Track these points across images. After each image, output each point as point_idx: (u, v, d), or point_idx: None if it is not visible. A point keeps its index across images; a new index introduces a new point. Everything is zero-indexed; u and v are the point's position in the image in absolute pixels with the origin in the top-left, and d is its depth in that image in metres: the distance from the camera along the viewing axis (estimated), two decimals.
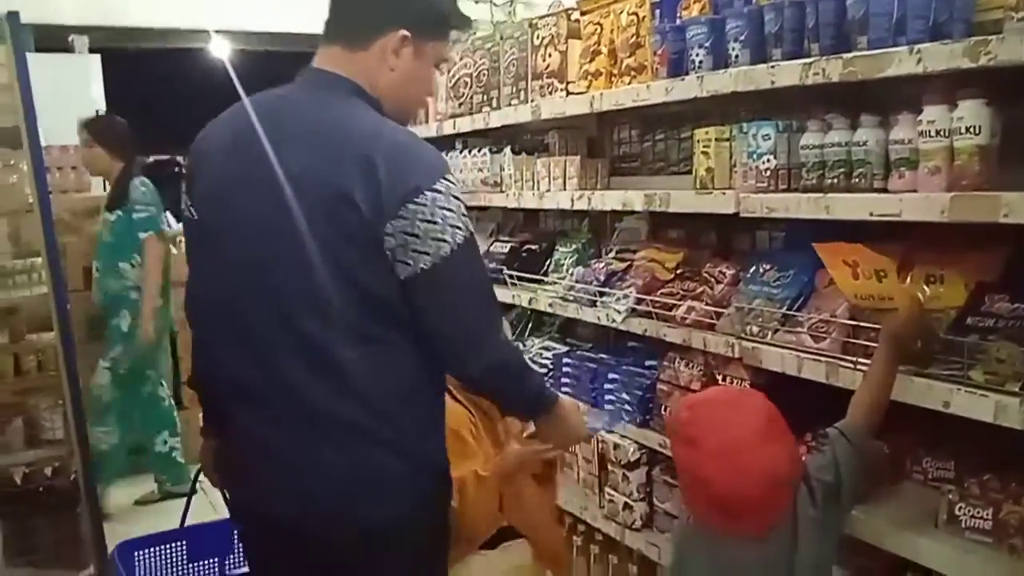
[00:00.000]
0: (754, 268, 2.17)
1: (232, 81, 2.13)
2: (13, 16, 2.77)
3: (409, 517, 1.62)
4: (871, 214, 1.72)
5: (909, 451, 1.95)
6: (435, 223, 1.52)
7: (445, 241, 1.52)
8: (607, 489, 2.65)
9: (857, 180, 1.80)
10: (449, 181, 1.56)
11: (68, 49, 6.32)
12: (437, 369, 1.68)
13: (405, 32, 1.63)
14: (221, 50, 6.93)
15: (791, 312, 2.00)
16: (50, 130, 3.32)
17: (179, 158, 8.95)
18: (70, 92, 5.05)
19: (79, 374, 3.07)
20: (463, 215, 1.57)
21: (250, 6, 6.49)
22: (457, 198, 1.56)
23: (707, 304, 2.21)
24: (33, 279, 3.32)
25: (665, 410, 2.37)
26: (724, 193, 2.08)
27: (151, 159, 9.81)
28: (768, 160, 1.97)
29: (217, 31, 6.54)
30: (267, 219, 1.54)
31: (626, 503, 2.56)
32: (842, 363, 1.82)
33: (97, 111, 5.44)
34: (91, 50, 6.40)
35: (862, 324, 1.81)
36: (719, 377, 2.19)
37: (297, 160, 1.53)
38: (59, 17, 6.58)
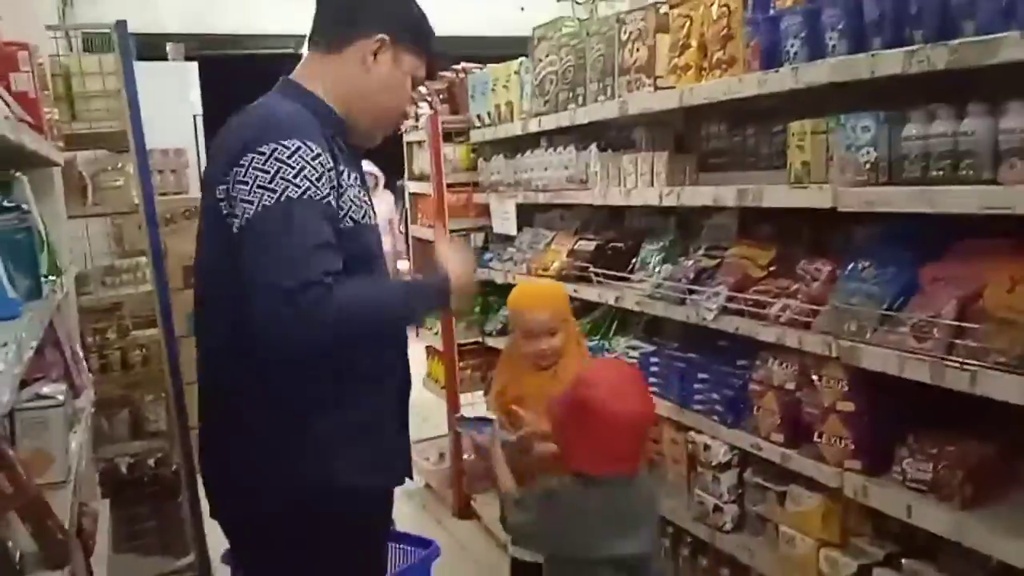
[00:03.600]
0: (852, 265, 2.09)
1: None
2: (121, 25, 2.90)
3: None
4: (980, 207, 1.64)
5: (1019, 453, 1.86)
6: (245, 183, 1.50)
7: (249, 203, 1.49)
8: (696, 490, 2.60)
9: (964, 172, 1.72)
10: (282, 144, 1.51)
11: (165, 57, 6.59)
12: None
13: (384, 36, 1.68)
14: None
15: (891, 311, 1.93)
16: (151, 134, 3.45)
17: None
18: (170, 98, 5.26)
19: (181, 368, 3.20)
20: (285, 178, 1.49)
21: None
22: (281, 160, 1.50)
23: (802, 302, 2.15)
24: (138, 277, 3.47)
25: (758, 410, 2.31)
26: (821, 187, 2.02)
27: None
28: (868, 152, 1.91)
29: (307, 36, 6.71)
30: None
31: (716, 505, 2.51)
32: (948, 363, 1.74)
33: (195, 116, 5.66)
34: (188, 58, 6.65)
35: (968, 325, 1.73)
36: (815, 377, 2.12)
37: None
38: (158, 26, 6.87)
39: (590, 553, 1.95)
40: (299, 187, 1.49)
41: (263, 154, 1.49)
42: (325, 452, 1.64)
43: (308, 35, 1.75)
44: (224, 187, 1.53)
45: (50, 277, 1.81)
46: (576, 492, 1.99)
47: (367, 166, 5.07)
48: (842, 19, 1.95)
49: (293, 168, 1.49)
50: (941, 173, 1.76)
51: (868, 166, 1.91)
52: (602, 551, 1.94)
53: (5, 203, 1.58)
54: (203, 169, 1.72)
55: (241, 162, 1.50)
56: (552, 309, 2.55)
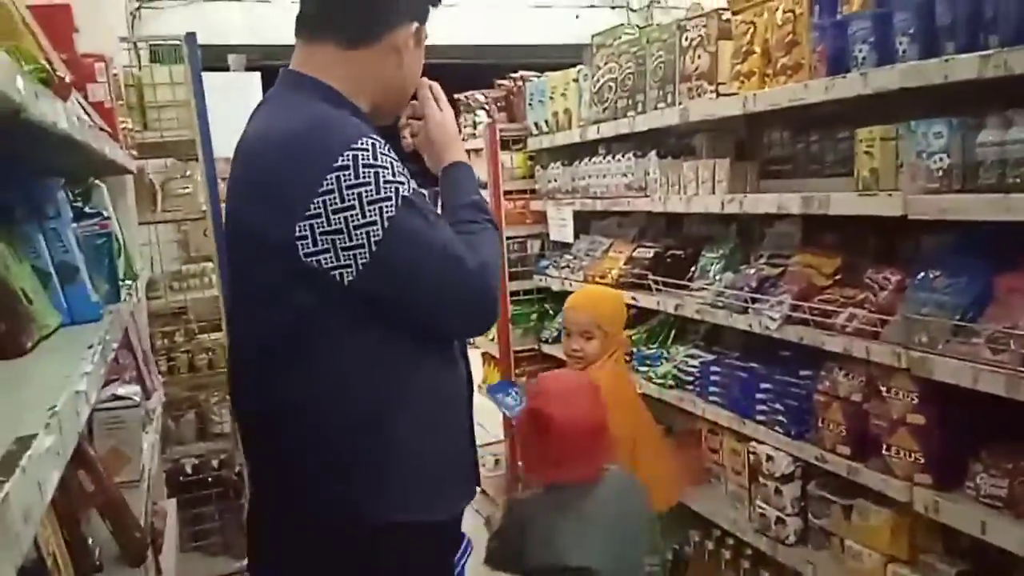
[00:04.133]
0: (922, 274, 2.05)
1: None
2: (191, 37, 2.98)
3: None
4: None
5: None
6: (350, 208, 1.31)
7: (372, 223, 1.32)
8: (757, 502, 2.57)
9: None
10: (356, 148, 1.33)
11: (226, 67, 6.72)
12: None
13: (416, 23, 1.52)
14: None
15: (964, 322, 1.88)
16: (215, 143, 3.54)
17: None
18: (233, 108, 5.36)
19: None
20: (387, 179, 1.34)
21: None
22: (372, 164, 1.33)
23: (870, 312, 2.11)
24: (204, 282, 3.56)
25: (822, 422, 2.27)
26: (890, 195, 1.98)
27: None
28: (941, 159, 1.86)
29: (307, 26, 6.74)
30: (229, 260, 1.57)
31: (779, 517, 2.47)
32: None
33: None
34: (250, 68, 6.78)
35: None
36: (883, 389, 2.08)
37: (230, 195, 1.52)
38: (220, 38, 7.03)
39: (549, 559, 1.89)
40: (401, 182, 1.36)
41: (347, 167, 1.31)
42: (392, 476, 1.45)
43: (309, 26, 1.52)
44: (307, 224, 1.31)
45: (126, 281, 1.87)
46: (535, 497, 2.03)
47: None
48: (913, 24, 1.92)
49: (385, 167, 1.35)
50: (1018, 180, 1.72)
51: (940, 173, 1.87)
52: (563, 558, 1.87)
53: (87, 209, 1.63)
54: (231, 208, 1.52)
55: (324, 188, 1.31)
56: (592, 313, 2.62)
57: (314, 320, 1.40)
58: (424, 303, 1.42)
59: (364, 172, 1.32)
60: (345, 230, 1.32)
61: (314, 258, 1.33)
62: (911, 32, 1.92)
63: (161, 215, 3.37)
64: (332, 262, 1.33)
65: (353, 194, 1.31)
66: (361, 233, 1.32)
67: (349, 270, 1.34)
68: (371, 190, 1.32)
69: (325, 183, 1.31)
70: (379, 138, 1.38)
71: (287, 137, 1.38)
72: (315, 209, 1.31)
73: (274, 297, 1.40)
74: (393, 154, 1.39)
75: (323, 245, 1.32)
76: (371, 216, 1.32)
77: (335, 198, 1.31)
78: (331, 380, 1.43)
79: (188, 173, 3.42)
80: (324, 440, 1.44)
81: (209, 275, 3.54)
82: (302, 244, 1.32)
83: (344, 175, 1.31)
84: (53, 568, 1.22)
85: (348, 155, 1.32)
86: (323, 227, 1.31)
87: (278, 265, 1.36)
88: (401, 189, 1.35)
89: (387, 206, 1.33)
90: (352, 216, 1.31)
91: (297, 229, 1.32)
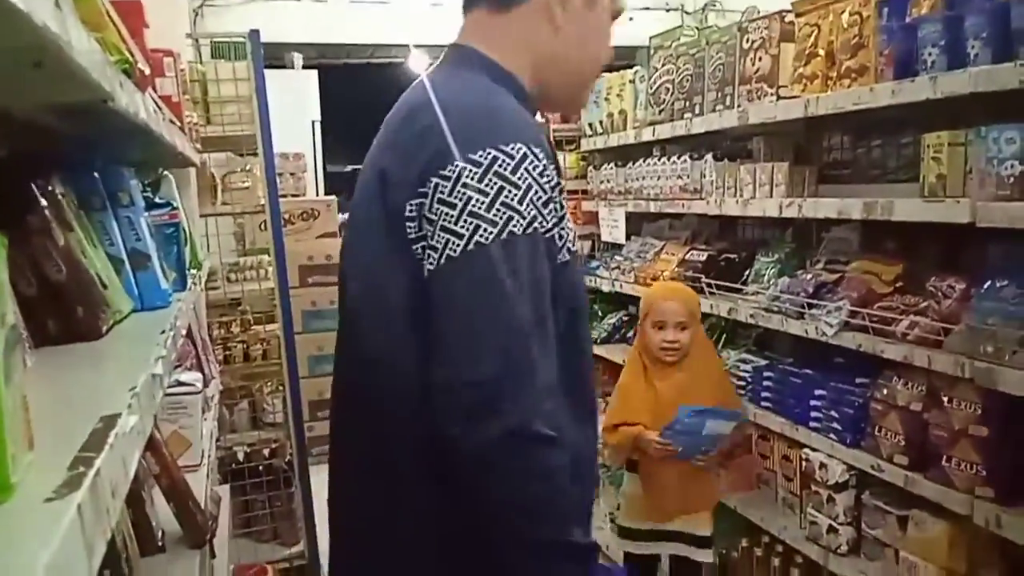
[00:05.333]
0: (989, 283, 2.00)
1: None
2: (254, 34, 3.03)
3: None
4: None
5: None
6: (451, 205, 1.12)
7: (458, 235, 1.11)
8: (809, 510, 2.53)
9: None
10: (503, 151, 1.13)
11: (283, 65, 6.84)
12: None
13: None
14: (419, 63, 7.23)
15: None
16: (274, 138, 3.60)
17: None
18: (291, 104, 5.47)
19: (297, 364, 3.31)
20: (509, 204, 1.12)
21: (445, 22, 6.75)
22: (503, 176, 1.12)
23: (933, 320, 2.07)
24: (259, 275, 3.62)
25: (879, 430, 2.23)
26: (958, 201, 1.94)
27: (348, 168, 10.46)
28: (1012, 166, 1.82)
29: (416, 46, 6.82)
30: (352, 223, 1.36)
31: (831, 526, 2.44)
32: None
33: (313, 121, 5.87)
34: (308, 66, 6.89)
35: None
36: (944, 399, 2.04)
37: (372, 153, 1.32)
38: (278, 36, 7.16)
39: None
40: (525, 217, 1.13)
41: (479, 165, 1.12)
42: None
43: None
44: (418, 202, 1.16)
45: (191, 270, 1.91)
46: None
47: None
48: (986, 27, 1.87)
49: (518, 188, 1.13)
50: None
51: (1011, 180, 1.83)
52: None
53: (157, 199, 1.68)
54: (368, 167, 1.32)
55: (445, 173, 1.13)
56: (685, 304, 2.64)
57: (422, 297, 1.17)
58: (440, 354, 1.13)
59: (490, 180, 1.12)
60: (434, 224, 1.14)
61: (415, 232, 1.17)
62: (984, 36, 1.88)
63: (221, 208, 3.45)
64: (422, 250, 1.17)
65: (463, 195, 1.12)
66: (443, 237, 1.12)
67: (429, 263, 1.15)
68: (481, 203, 1.12)
69: (449, 167, 1.13)
70: (538, 152, 1.16)
71: (452, 106, 1.21)
72: (426, 188, 1.15)
73: (395, 260, 1.21)
74: (545, 182, 1.17)
75: (424, 226, 1.16)
76: (462, 228, 1.11)
77: (446, 187, 1.13)
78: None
79: (248, 167, 3.48)
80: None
81: (264, 268, 3.61)
82: (409, 222, 1.17)
83: (469, 171, 1.12)
84: (121, 547, 1.25)
85: (488, 153, 1.13)
86: (422, 209, 1.16)
87: (396, 244, 1.20)
88: (515, 222, 1.12)
89: (485, 229, 1.11)
90: (447, 216, 1.12)
91: (409, 205, 1.17)
